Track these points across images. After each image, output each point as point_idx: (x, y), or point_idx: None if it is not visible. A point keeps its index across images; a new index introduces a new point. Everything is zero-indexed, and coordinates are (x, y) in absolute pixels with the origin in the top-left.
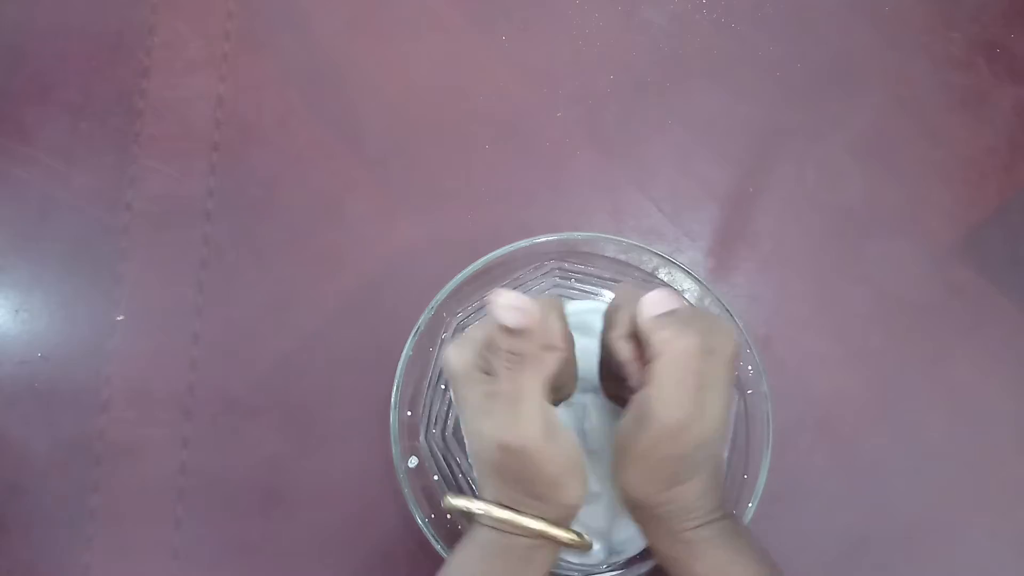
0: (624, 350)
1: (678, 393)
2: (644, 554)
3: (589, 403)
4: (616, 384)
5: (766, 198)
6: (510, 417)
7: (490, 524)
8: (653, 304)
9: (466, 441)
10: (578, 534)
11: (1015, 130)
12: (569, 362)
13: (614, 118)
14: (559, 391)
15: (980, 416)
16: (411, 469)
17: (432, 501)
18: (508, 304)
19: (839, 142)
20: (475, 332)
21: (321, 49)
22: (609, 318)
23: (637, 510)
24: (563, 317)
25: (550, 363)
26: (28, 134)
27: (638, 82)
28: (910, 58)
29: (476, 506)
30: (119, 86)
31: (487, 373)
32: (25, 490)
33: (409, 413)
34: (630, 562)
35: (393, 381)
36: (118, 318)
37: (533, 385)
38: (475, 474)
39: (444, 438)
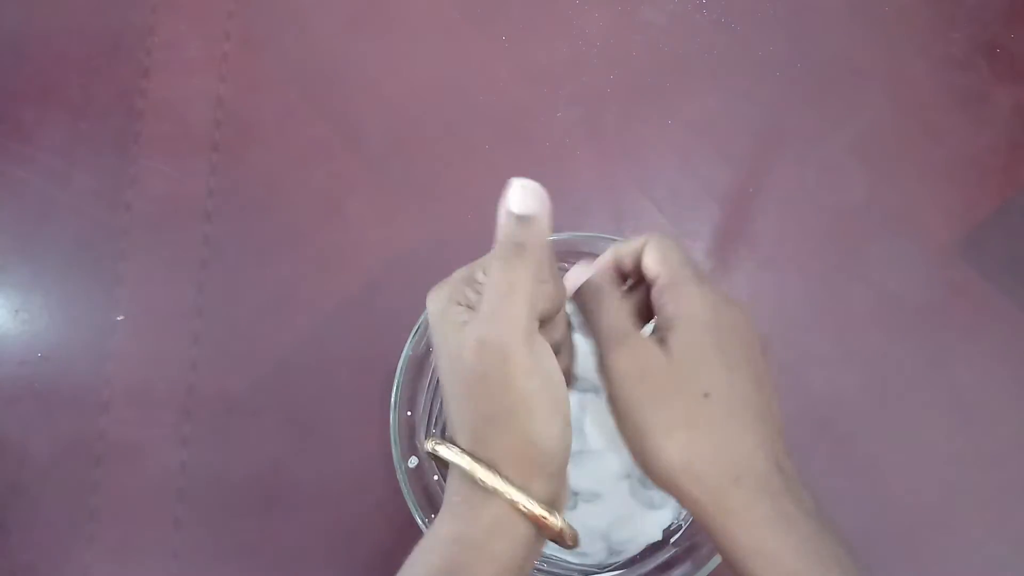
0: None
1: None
2: (644, 554)
3: (589, 403)
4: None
5: (766, 198)
6: (496, 310)
7: (454, 497)
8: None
9: (440, 382)
10: (549, 511)
11: (1015, 130)
12: (560, 322)
13: (614, 118)
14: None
15: (980, 416)
16: (411, 469)
17: (432, 501)
18: (525, 185)
19: (839, 142)
20: (457, 273)
21: (321, 49)
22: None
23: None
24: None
25: (544, 267)
26: (28, 134)
27: (638, 82)
28: (910, 58)
29: (440, 449)
30: (119, 86)
31: (469, 307)
32: (25, 490)
33: (409, 413)
34: (630, 562)
35: (393, 381)
36: (118, 318)
37: (526, 280)
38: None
39: (444, 438)
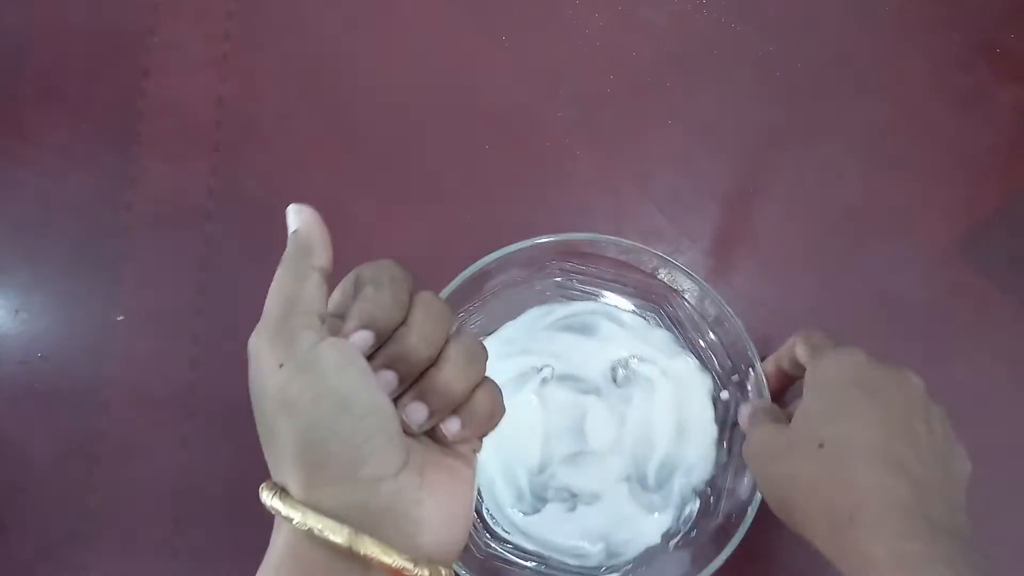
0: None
1: None
2: (643, 557)
3: (590, 405)
4: None
5: (766, 198)
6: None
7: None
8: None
9: None
10: (332, 526)
11: (1015, 130)
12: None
13: (614, 118)
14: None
15: (980, 416)
16: None
17: None
18: (290, 209)
19: (839, 142)
20: None
21: (321, 49)
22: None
23: None
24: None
25: (304, 267)
26: (28, 134)
27: (638, 82)
28: (910, 58)
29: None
30: (119, 86)
31: None
32: (25, 490)
33: None
34: (628, 564)
35: None
36: (118, 318)
37: (278, 280)
38: None
39: None
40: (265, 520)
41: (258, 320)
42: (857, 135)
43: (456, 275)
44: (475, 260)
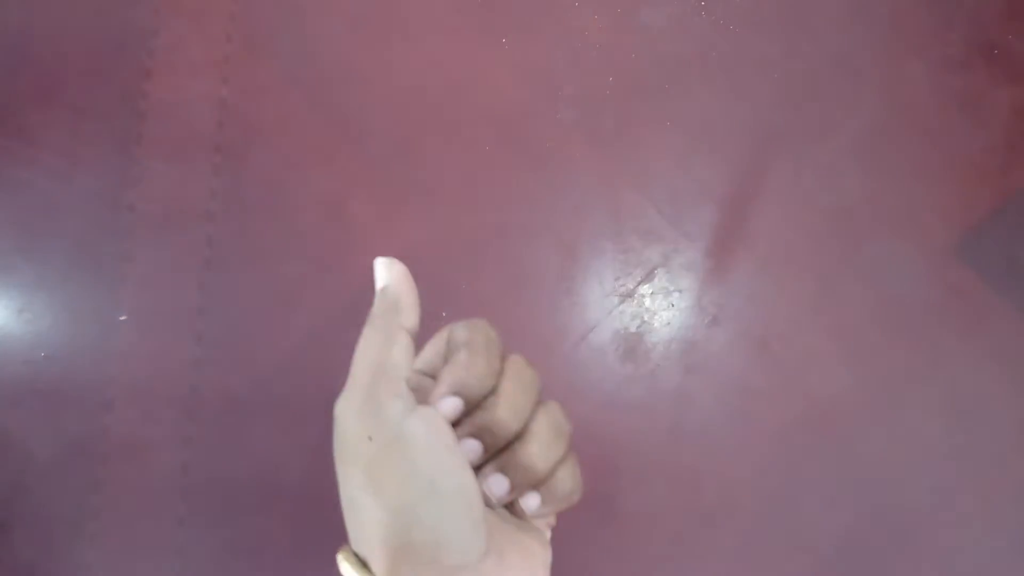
0: None
1: None
2: None
3: None
4: None
5: (765, 199)
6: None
7: None
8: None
9: None
10: None
11: (1013, 130)
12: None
13: (613, 119)
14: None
15: (980, 416)
16: None
17: None
18: (379, 262)
19: (838, 142)
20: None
21: (322, 51)
22: None
23: None
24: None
25: (401, 337)
26: (31, 136)
27: (637, 84)
28: (908, 59)
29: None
30: (121, 88)
31: None
32: (28, 489)
33: None
34: None
35: None
36: (121, 318)
37: (366, 343)
38: None
39: None
40: (266, 520)
41: (259, 320)
42: (856, 135)
43: (455, 275)
44: (474, 259)
